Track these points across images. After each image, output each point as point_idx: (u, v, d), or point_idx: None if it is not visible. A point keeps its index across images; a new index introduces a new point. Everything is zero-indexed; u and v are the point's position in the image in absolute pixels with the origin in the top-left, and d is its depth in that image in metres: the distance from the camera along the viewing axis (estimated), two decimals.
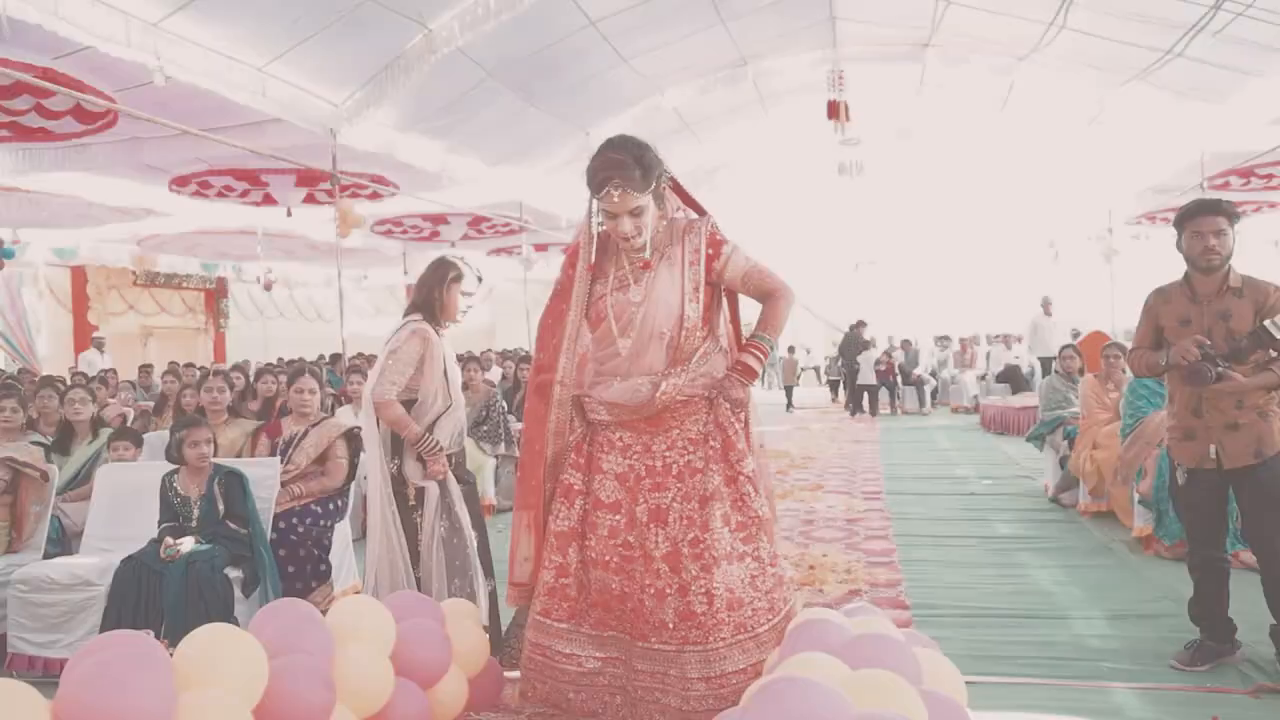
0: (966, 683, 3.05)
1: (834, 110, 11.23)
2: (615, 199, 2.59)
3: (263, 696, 1.85)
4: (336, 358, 11.79)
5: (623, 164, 2.59)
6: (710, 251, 2.74)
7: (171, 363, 12.75)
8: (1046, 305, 13.71)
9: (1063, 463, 6.22)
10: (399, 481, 3.37)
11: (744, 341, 2.86)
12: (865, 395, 13.93)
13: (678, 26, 9.13)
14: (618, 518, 2.71)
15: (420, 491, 3.35)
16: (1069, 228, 17.16)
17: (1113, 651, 3.41)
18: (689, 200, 2.91)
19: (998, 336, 15.80)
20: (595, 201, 2.68)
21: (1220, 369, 3.10)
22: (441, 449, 3.35)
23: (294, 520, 3.99)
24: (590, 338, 2.85)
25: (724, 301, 2.92)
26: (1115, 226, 14.94)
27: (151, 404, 7.90)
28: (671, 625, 2.59)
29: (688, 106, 11.62)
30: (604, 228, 2.73)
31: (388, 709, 2.26)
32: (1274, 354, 3.13)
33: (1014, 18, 8.97)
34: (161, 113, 6.85)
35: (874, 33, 10.43)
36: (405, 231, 14.47)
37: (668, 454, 2.73)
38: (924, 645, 2.18)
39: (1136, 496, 4.90)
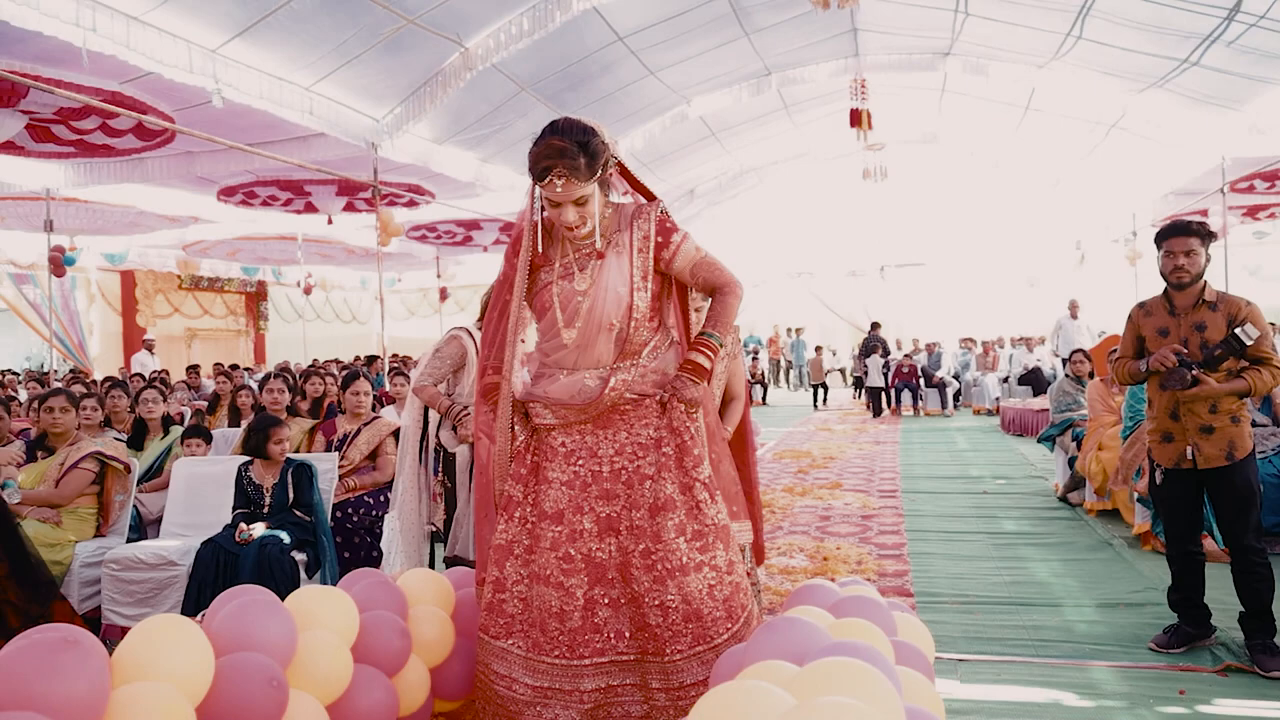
0: (959, 660, 3.42)
1: (856, 118, 11.49)
2: (559, 188, 2.42)
3: (355, 640, 2.27)
4: (373, 359, 12.24)
5: (567, 151, 2.40)
6: (660, 239, 2.58)
7: (217, 364, 13.28)
8: (1073, 308, 13.83)
9: (1071, 463, 6.48)
10: (437, 456, 3.96)
11: (692, 339, 2.67)
12: (873, 396, 14.30)
13: (703, 40, 9.47)
14: (559, 529, 2.51)
15: (451, 458, 3.89)
16: (1094, 231, 17.28)
17: (1098, 636, 3.69)
18: (637, 184, 2.72)
19: (1020, 339, 15.95)
20: (538, 189, 2.52)
21: (1195, 375, 3.38)
22: (469, 413, 3.78)
23: (349, 510, 4.42)
24: (536, 329, 2.70)
25: (673, 293, 2.75)
26: (1140, 230, 15.06)
27: (204, 403, 8.36)
28: (629, 634, 2.47)
29: (713, 115, 11.97)
30: (547, 214, 2.58)
31: (449, 660, 2.68)
32: (1245, 363, 3.41)
33: (1031, 29, 9.21)
34: (215, 129, 7.32)
35: (895, 42, 10.69)
36: (439, 237, 14.92)
37: (616, 459, 2.56)
38: (902, 611, 2.51)
39: (1135, 495, 5.17)
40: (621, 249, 2.57)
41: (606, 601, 2.47)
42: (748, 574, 3.29)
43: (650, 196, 2.72)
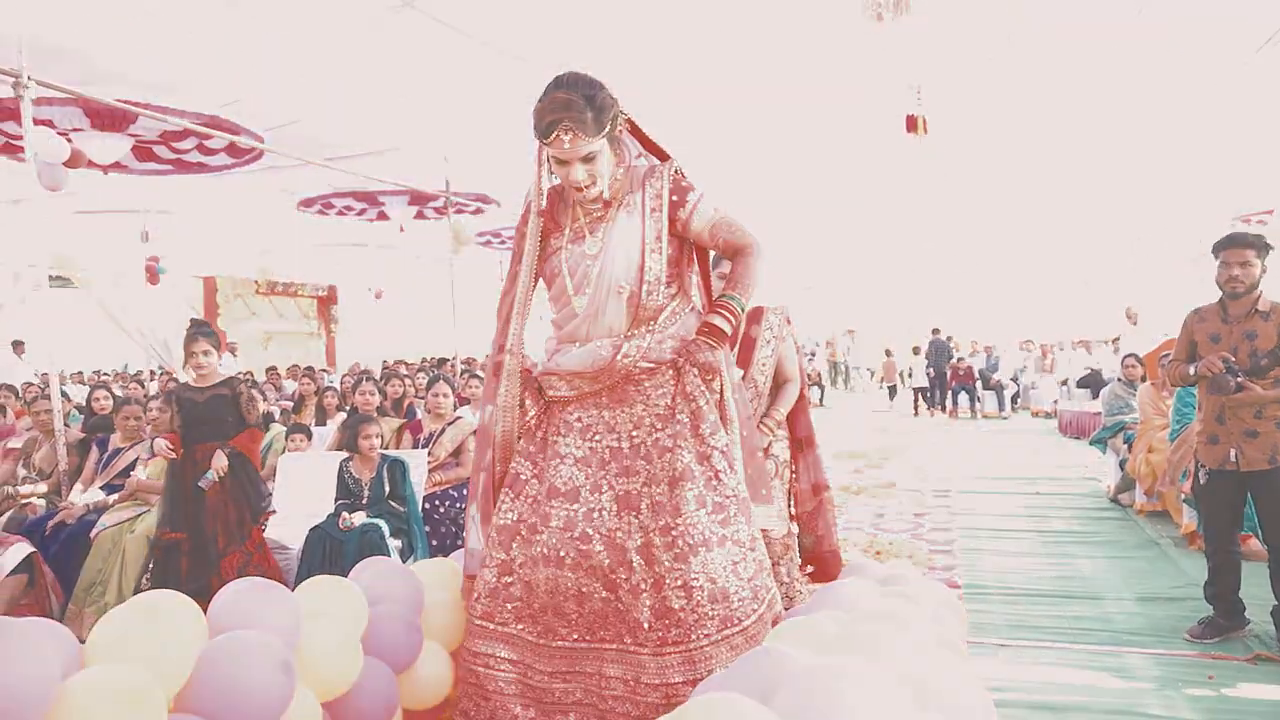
0: (1000, 645, 3.67)
1: (912, 124, 11.64)
2: (565, 144, 2.30)
3: None
4: (442, 361, 12.75)
5: (573, 104, 2.27)
6: (675, 198, 2.46)
7: (293, 366, 13.95)
8: (1131, 314, 13.84)
9: (1122, 465, 6.62)
10: None
11: (712, 301, 2.56)
12: (918, 397, 14.54)
13: None
14: (575, 507, 2.42)
15: None
16: (1157, 233, 17.07)
17: (1136, 626, 3.90)
18: (649, 145, 2.59)
19: (1079, 341, 15.90)
20: (545, 148, 2.39)
21: (1240, 381, 3.56)
22: None
23: (436, 503, 4.83)
24: (547, 300, 2.61)
25: (694, 259, 2.65)
26: (1204, 235, 14.88)
27: (290, 403, 8.92)
28: (648, 625, 2.31)
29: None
30: (556, 179, 2.47)
31: None
32: None
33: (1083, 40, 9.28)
34: (300, 146, 7.84)
35: (948, 51, 10.81)
36: (503, 242, 15.42)
37: (635, 433, 2.45)
38: (939, 585, 2.82)
39: (1182, 495, 5.32)
40: (633, 209, 2.45)
41: (628, 587, 2.35)
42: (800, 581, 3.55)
43: (664, 156, 2.59)
